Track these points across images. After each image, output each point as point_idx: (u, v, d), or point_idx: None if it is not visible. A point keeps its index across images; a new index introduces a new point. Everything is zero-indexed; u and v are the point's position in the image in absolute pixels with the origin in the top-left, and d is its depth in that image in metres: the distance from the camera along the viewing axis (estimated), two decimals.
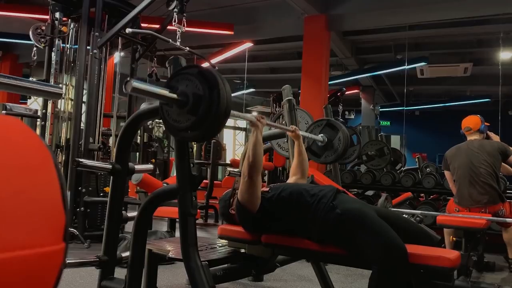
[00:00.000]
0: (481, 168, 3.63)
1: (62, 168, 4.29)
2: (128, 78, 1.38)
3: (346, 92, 10.04)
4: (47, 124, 4.46)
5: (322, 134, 3.24)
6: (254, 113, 2.75)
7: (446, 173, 3.96)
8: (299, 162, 2.53)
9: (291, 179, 2.53)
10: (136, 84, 1.36)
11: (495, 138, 3.93)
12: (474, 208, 3.64)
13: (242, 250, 2.22)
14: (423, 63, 8.41)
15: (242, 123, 17.37)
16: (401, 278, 1.72)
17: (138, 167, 2.26)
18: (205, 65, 8.40)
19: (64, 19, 4.46)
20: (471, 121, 3.89)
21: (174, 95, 1.46)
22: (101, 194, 4.36)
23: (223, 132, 15.84)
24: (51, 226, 0.49)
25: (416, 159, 7.17)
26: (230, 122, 17.09)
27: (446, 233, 3.75)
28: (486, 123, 3.91)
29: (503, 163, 3.71)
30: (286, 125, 3.30)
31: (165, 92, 1.46)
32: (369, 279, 1.75)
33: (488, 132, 3.93)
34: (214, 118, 1.42)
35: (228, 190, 2.33)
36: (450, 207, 3.89)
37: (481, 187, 3.61)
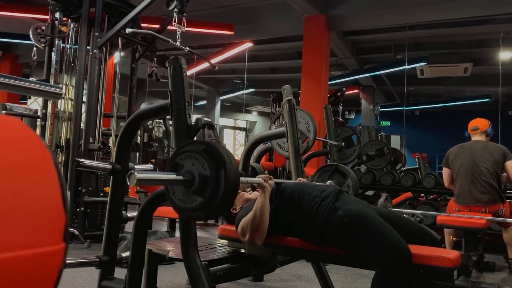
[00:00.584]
0: (483, 167, 3.64)
1: (62, 168, 4.29)
2: (133, 171, 1.35)
3: (346, 92, 10.05)
4: (47, 124, 4.46)
5: (330, 181, 3.22)
6: (261, 176, 2.77)
7: (444, 170, 3.96)
8: None
9: None
10: (140, 175, 1.34)
11: None
12: (474, 207, 3.65)
13: (242, 250, 2.23)
14: (423, 63, 8.42)
15: (242, 123, 17.38)
16: (406, 279, 1.72)
17: (138, 167, 2.26)
18: (205, 65, 8.41)
19: (64, 19, 4.46)
20: (479, 122, 3.93)
21: (180, 177, 1.42)
22: (101, 194, 4.35)
23: (223, 132, 15.86)
24: (51, 226, 0.49)
25: (416, 159, 7.16)
26: (230, 122, 17.11)
27: (446, 233, 3.75)
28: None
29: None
30: (286, 125, 3.30)
31: (171, 177, 1.43)
32: (372, 280, 1.74)
33: None
34: (221, 200, 1.38)
35: None
36: (451, 207, 3.90)
37: (481, 185, 3.63)
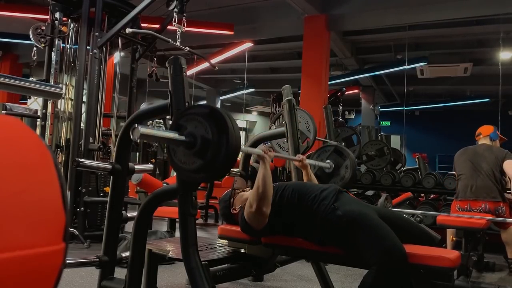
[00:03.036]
0: (483, 165, 3.75)
1: (62, 168, 4.29)
2: (136, 125, 1.36)
3: (346, 92, 10.04)
4: (47, 124, 4.46)
5: (329, 160, 3.23)
6: (261, 146, 2.80)
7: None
8: None
9: None
10: (144, 130, 1.35)
11: None
12: (473, 202, 3.70)
13: (242, 250, 2.23)
14: (423, 63, 8.42)
15: (242, 123, 17.38)
16: (399, 280, 1.72)
17: (138, 167, 2.26)
18: (205, 65, 8.40)
19: (64, 19, 4.46)
20: (483, 128, 4.08)
21: (182, 138, 1.43)
22: (101, 194, 4.36)
23: None
24: (51, 226, 0.49)
25: (416, 159, 7.16)
26: None
27: (448, 232, 3.77)
28: (500, 136, 4.06)
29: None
30: (286, 125, 3.30)
31: (174, 135, 1.44)
32: (363, 277, 1.75)
33: None
34: (221, 163, 1.40)
35: (228, 191, 2.33)
36: (453, 207, 3.94)
37: (482, 181, 3.72)
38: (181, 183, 1.74)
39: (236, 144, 1.41)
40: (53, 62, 4.42)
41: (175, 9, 3.78)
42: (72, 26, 4.49)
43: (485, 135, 4.00)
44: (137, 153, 6.06)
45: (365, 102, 11.86)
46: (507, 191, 3.80)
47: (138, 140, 5.64)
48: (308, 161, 2.64)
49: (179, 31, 3.88)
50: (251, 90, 11.83)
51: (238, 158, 5.38)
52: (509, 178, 3.70)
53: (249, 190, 2.32)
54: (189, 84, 1.88)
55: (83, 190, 4.19)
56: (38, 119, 4.66)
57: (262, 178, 1.96)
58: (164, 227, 4.74)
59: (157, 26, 5.01)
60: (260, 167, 2.01)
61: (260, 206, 1.95)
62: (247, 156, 3.99)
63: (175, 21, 3.84)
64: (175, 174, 1.84)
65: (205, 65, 8.77)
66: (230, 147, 1.38)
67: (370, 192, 6.31)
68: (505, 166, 3.68)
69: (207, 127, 1.41)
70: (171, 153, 1.52)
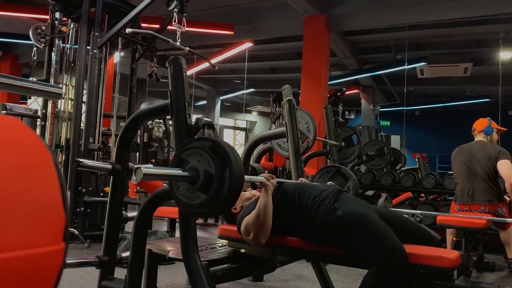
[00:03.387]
0: (478, 167, 3.69)
1: (62, 168, 4.29)
2: (138, 166, 1.36)
3: (346, 92, 10.04)
4: (47, 124, 4.46)
5: (331, 182, 3.23)
6: (264, 174, 2.79)
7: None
8: None
9: None
10: (147, 170, 1.34)
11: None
12: (473, 206, 3.68)
13: (242, 250, 2.22)
14: (423, 63, 8.41)
15: (242, 124, 17.37)
16: (399, 280, 1.72)
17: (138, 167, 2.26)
18: (205, 65, 8.40)
19: (64, 19, 4.46)
20: (477, 123, 3.98)
21: (186, 173, 1.42)
22: (101, 194, 4.36)
23: (223, 132, 15.86)
24: (51, 226, 0.49)
25: (416, 159, 7.16)
26: (230, 122, 17.11)
27: (448, 232, 3.76)
28: (497, 127, 3.95)
29: None
30: (286, 125, 3.30)
31: (177, 172, 1.44)
32: (364, 277, 1.75)
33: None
34: (225, 197, 1.38)
35: None
36: (453, 207, 3.93)
37: (478, 185, 3.67)
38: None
39: (240, 177, 1.39)
40: (53, 62, 4.42)
41: (175, 9, 3.78)
42: (72, 26, 4.49)
43: (479, 130, 3.89)
44: (137, 153, 6.06)
45: (365, 102, 11.87)
46: (506, 193, 3.78)
47: (138, 140, 5.59)
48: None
49: (179, 31, 3.88)
50: (251, 90, 11.83)
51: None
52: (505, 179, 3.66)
53: (250, 189, 2.32)
54: (189, 84, 1.88)
55: (83, 190, 4.19)
56: (38, 119, 4.66)
57: (264, 207, 1.92)
58: (164, 227, 4.74)
59: (157, 26, 5.01)
60: (261, 196, 1.97)
61: (257, 236, 1.93)
62: (247, 156, 3.99)
63: (175, 21, 3.84)
64: None
65: (205, 65, 8.77)
66: (233, 180, 1.37)
67: (370, 192, 6.31)
68: (499, 167, 3.60)
69: (209, 161, 1.40)
70: (174, 188, 1.50)
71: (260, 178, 1.99)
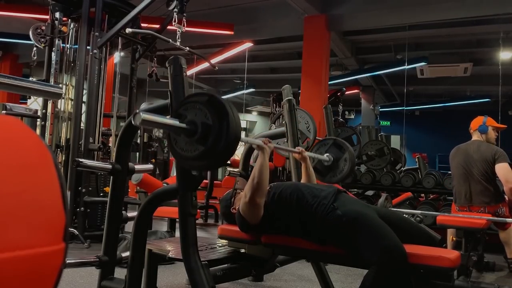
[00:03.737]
0: (474, 169, 3.65)
1: (62, 168, 4.29)
2: (137, 110, 1.38)
3: (346, 92, 10.03)
4: (47, 124, 4.46)
5: (328, 154, 3.24)
6: (261, 138, 2.79)
7: None
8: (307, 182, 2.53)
9: None
10: (146, 116, 1.36)
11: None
12: (473, 207, 3.66)
13: (242, 250, 2.22)
14: (423, 63, 8.41)
15: (242, 123, 17.33)
16: (399, 280, 1.72)
17: (138, 167, 2.26)
18: (205, 65, 8.40)
19: (64, 19, 4.46)
20: (473, 122, 3.94)
21: (183, 125, 1.44)
22: (101, 194, 4.36)
23: None
24: (51, 226, 0.49)
25: (416, 159, 7.16)
26: None
27: (449, 233, 3.76)
28: (494, 124, 3.88)
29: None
30: (286, 125, 3.30)
31: (174, 122, 1.45)
32: (364, 276, 1.75)
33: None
34: (223, 149, 1.40)
35: (229, 191, 2.33)
36: (453, 208, 3.92)
37: (475, 188, 3.64)
38: (182, 180, 1.74)
39: (237, 129, 1.42)
40: (53, 62, 4.42)
41: (175, 9, 3.78)
42: (72, 26, 4.49)
43: (474, 129, 3.86)
44: (137, 153, 6.06)
45: (365, 102, 11.86)
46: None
47: (138, 140, 5.58)
48: (307, 154, 2.64)
49: (179, 31, 3.88)
50: (251, 90, 11.82)
51: (237, 158, 5.36)
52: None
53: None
54: (189, 84, 1.88)
55: (83, 190, 4.19)
56: (38, 119, 4.66)
57: (259, 168, 1.97)
58: (164, 227, 4.74)
59: (157, 26, 5.01)
60: (258, 158, 2.03)
61: (253, 196, 1.95)
62: (247, 156, 3.99)
63: (175, 21, 3.85)
64: (175, 174, 1.84)
65: (205, 65, 8.77)
66: (231, 132, 1.39)
67: (370, 192, 6.31)
68: (497, 170, 3.55)
69: (207, 113, 1.42)
70: (172, 142, 1.52)
71: (257, 141, 2.11)
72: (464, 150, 3.81)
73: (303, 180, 2.59)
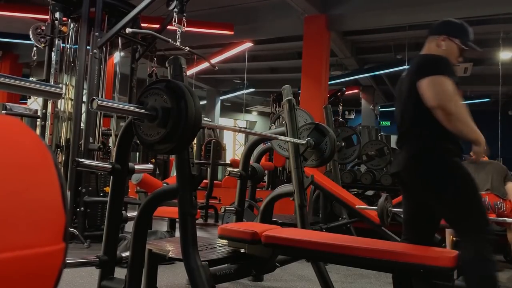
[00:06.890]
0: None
1: (62, 168, 4.29)
2: (94, 97, 1.43)
3: (346, 92, 10.04)
4: (47, 124, 4.46)
5: (309, 138, 3.28)
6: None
7: None
8: None
9: None
10: (102, 102, 1.41)
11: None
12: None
13: (242, 250, 2.22)
14: None
15: (242, 124, 17.36)
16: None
17: (138, 167, 2.26)
18: (205, 65, 8.40)
19: (64, 19, 4.46)
20: None
21: (142, 110, 1.50)
22: (101, 194, 4.35)
23: (223, 132, 15.85)
24: (51, 226, 0.49)
25: None
26: (230, 122, 17.09)
27: (447, 233, 3.76)
28: None
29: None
30: (286, 126, 3.30)
31: (132, 108, 1.51)
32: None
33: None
34: (183, 130, 1.46)
35: None
36: None
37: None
38: (182, 180, 1.74)
39: (196, 110, 1.47)
40: (53, 62, 4.42)
41: (175, 9, 3.77)
42: (72, 26, 4.49)
43: None
44: (137, 153, 6.05)
45: (365, 102, 11.86)
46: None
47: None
48: (280, 137, 2.73)
49: (179, 31, 3.88)
50: (251, 90, 11.83)
51: (237, 158, 5.33)
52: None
53: None
54: (189, 84, 1.88)
55: (83, 190, 4.19)
56: (38, 119, 4.66)
57: (470, 129, 2.01)
58: (164, 227, 4.74)
59: (157, 26, 5.01)
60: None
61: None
62: (247, 156, 3.99)
63: (175, 21, 3.84)
64: (175, 174, 1.84)
65: (205, 65, 8.77)
66: (190, 112, 1.45)
67: (370, 192, 6.31)
68: (508, 188, 3.75)
69: (165, 98, 1.48)
70: (137, 129, 1.58)
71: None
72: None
73: None
